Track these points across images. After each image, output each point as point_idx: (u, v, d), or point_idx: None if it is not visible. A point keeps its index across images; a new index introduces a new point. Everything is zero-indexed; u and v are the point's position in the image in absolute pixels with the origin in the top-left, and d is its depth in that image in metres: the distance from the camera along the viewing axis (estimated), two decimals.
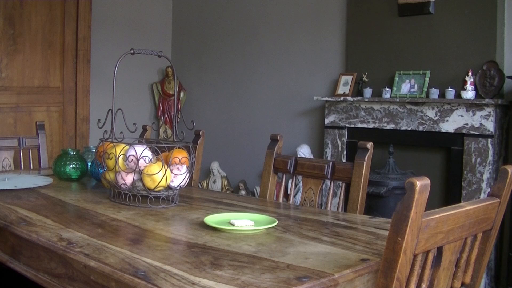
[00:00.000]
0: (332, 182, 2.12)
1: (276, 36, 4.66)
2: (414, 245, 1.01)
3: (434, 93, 3.50)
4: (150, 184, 1.78)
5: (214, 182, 4.93)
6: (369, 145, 1.99)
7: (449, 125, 3.41)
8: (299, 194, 3.92)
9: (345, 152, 3.95)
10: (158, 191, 1.81)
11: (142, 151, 1.79)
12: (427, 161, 3.67)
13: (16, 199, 1.89)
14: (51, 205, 1.85)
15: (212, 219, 1.57)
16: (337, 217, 1.79)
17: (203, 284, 1.07)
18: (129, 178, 1.81)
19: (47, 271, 1.37)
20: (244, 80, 4.93)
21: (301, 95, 4.45)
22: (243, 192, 4.69)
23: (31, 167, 2.89)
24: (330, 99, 3.98)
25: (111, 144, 1.85)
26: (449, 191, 3.50)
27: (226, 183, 4.91)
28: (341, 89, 4.02)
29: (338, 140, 3.98)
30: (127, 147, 1.84)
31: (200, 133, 2.56)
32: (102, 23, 4.97)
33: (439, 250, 1.14)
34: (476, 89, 3.36)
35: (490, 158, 3.25)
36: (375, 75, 3.89)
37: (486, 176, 3.26)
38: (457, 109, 3.37)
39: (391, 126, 3.68)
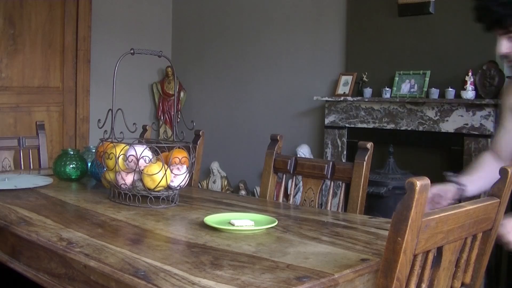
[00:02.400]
0: (332, 182, 2.12)
1: (276, 36, 4.66)
2: (414, 245, 1.01)
3: (434, 93, 3.50)
4: (150, 184, 1.78)
5: (214, 182, 4.93)
6: (369, 145, 1.99)
7: (449, 125, 3.41)
8: (299, 194, 3.92)
9: (345, 152, 3.95)
10: (158, 191, 1.80)
11: (142, 151, 1.79)
12: (427, 161, 3.67)
13: (16, 199, 1.89)
14: (51, 205, 1.85)
15: (212, 219, 1.57)
16: (337, 217, 1.79)
17: (203, 284, 1.07)
18: (129, 178, 1.81)
19: (47, 271, 1.37)
20: (244, 80, 4.93)
21: (301, 95, 4.45)
22: (243, 192, 4.69)
23: (31, 167, 2.89)
24: (330, 99, 3.98)
25: (111, 144, 1.85)
26: None
27: (226, 183, 4.92)
28: (341, 89, 4.02)
29: (338, 140, 3.98)
30: (127, 147, 1.84)
31: (200, 133, 2.56)
32: (102, 23, 4.97)
33: (439, 250, 1.14)
34: (476, 89, 3.36)
35: None
36: (375, 75, 3.89)
37: None
38: (457, 109, 3.37)
39: (391, 126, 3.68)
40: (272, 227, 1.54)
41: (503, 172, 1.25)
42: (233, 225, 1.51)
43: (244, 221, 1.53)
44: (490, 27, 1.62)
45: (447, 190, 1.71)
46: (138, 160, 1.77)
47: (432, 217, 1.04)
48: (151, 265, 1.18)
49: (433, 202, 1.72)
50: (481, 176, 1.81)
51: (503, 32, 1.60)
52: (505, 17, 1.55)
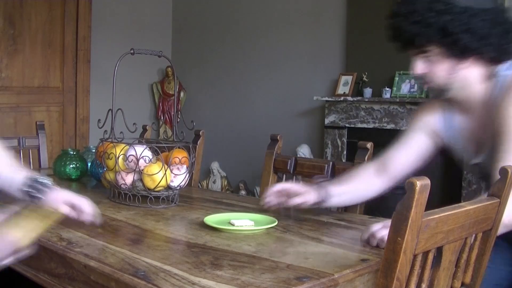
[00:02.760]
0: None
1: (276, 36, 4.66)
2: (414, 245, 1.01)
3: None
4: (150, 184, 1.78)
5: (214, 182, 4.93)
6: (369, 145, 1.99)
7: None
8: None
9: (345, 152, 3.95)
10: (158, 191, 1.80)
11: (142, 151, 1.79)
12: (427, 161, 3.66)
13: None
14: None
15: (212, 219, 1.57)
16: (337, 217, 1.79)
17: (203, 284, 1.07)
18: (129, 178, 1.81)
19: (47, 271, 1.37)
20: (244, 80, 4.93)
21: (301, 95, 4.45)
22: (243, 192, 4.69)
23: (31, 167, 2.89)
24: (330, 99, 3.98)
25: (111, 144, 1.85)
26: (449, 191, 3.50)
27: (226, 183, 4.92)
28: (341, 89, 4.02)
29: (338, 140, 3.98)
30: (127, 147, 1.84)
31: (200, 133, 2.56)
32: (102, 23, 4.97)
33: (439, 250, 1.14)
34: None
35: None
36: (375, 75, 3.89)
37: None
38: None
39: (391, 126, 3.68)
40: (272, 227, 1.54)
41: (503, 172, 1.25)
42: (233, 225, 1.51)
43: (244, 221, 1.53)
44: (404, 47, 1.56)
45: (304, 191, 1.64)
46: (138, 160, 1.77)
47: (432, 217, 1.04)
48: (151, 265, 1.18)
49: (286, 198, 1.65)
50: (350, 189, 1.74)
51: (417, 52, 1.52)
52: (417, 36, 1.46)
